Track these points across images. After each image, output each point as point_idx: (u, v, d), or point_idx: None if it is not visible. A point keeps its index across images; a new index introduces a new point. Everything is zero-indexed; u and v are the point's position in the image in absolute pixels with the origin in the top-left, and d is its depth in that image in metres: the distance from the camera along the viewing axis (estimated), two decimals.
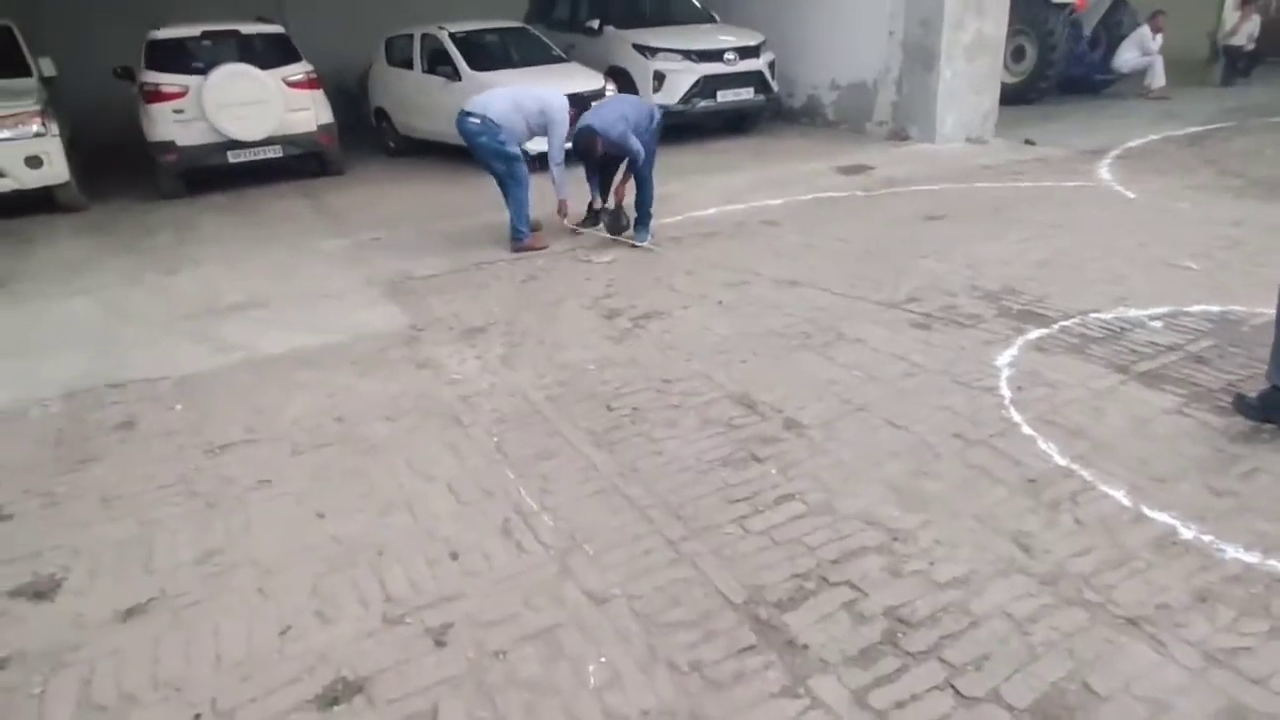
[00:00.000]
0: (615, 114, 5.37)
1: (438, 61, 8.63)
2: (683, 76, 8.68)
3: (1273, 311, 2.87)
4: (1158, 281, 4.33)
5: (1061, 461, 2.74)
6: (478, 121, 5.32)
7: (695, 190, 7.12)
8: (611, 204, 5.76)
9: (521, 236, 5.59)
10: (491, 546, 2.48)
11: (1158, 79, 10.81)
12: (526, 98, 5.50)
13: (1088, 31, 11.24)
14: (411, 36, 9.03)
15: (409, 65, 9.03)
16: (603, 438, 3.09)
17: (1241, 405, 2.95)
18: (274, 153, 7.90)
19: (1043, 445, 2.84)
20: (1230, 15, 11.93)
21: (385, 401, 3.53)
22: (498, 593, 2.27)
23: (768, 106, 9.58)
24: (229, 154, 7.71)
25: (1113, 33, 11.25)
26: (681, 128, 9.34)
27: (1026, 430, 2.94)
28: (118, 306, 5.02)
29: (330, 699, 1.93)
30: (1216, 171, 6.80)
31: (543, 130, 5.44)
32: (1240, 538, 2.30)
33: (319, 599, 2.29)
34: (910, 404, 3.19)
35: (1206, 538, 2.31)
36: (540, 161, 5.72)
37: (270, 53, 8.01)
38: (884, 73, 8.90)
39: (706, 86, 8.73)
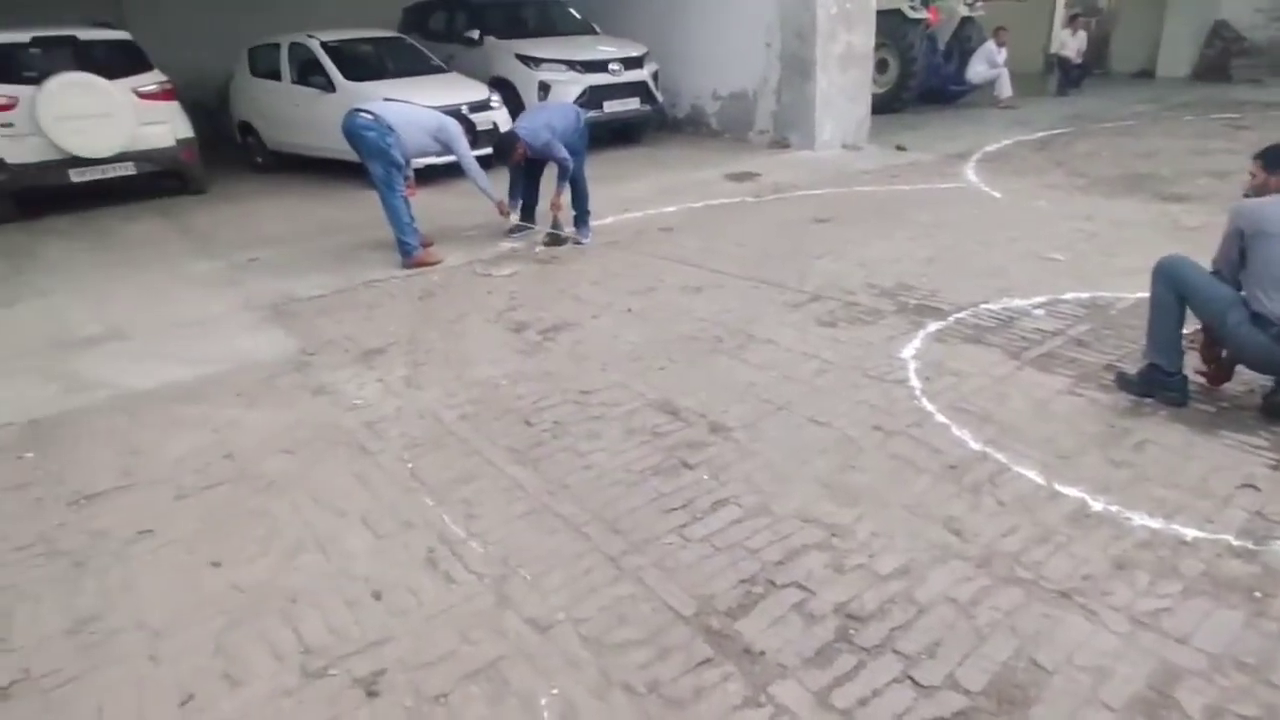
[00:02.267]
0: (540, 123, 5.43)
1: (309, 72, 8.17)
2: (569, 87, 8.61)
3: (1133, 296, 3.09)
4: (1032, 273, 4.63)
5: (976, 446, 2.84)
6: (370, 118, 5.18)
7: (590, 200, 7.04)
8: (548, 219, 5.86)
9: (410, 251, 5.37)
10: (418, 581, 2.30)
11: (1005, 89, 11.71)
12: (422, 114, 5.48)
13: (942, 45, 12.05)
14: (278, 46, 8.52)
15: (276, 76, 8.51)
16: (525, 455, 2.95)
17: (1124, 382, 3.16)
18: (126, 170, 7.22)
19: (957, 432, 2.94)
20: (1061, 31, 13.09)
21: (280, 433, 3.25)
22: (430, 631, 2.10)
23: (654, 117, 9.67)
24: (71, 173, 6.98)
25: (964, 46, 12.11)
26: None
27: (940, 419, 3.04)
28: None
29: None
30: (1065, 172, 7.40)
31: (447, 146, 5.43)
32: (1143, 505, 2.45)
33: (224, 658, 2.04)
34: (828, 400, 3.24)
35: (1114, 508, 2.45)
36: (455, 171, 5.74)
37: (116, 61, 7.32)
38: (763, 83, 9.17)
39: (593, 97, 8.70)
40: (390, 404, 3.45)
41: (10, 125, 6.77)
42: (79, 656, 2.08)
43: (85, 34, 7.38)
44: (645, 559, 2.33)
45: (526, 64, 8.72)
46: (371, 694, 1.90)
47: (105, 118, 6.95)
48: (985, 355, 3.58)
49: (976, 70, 11.82)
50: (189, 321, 4.66)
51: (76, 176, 7.04)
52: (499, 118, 8.17)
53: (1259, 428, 2.85)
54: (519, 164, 5.58)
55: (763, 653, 1.96)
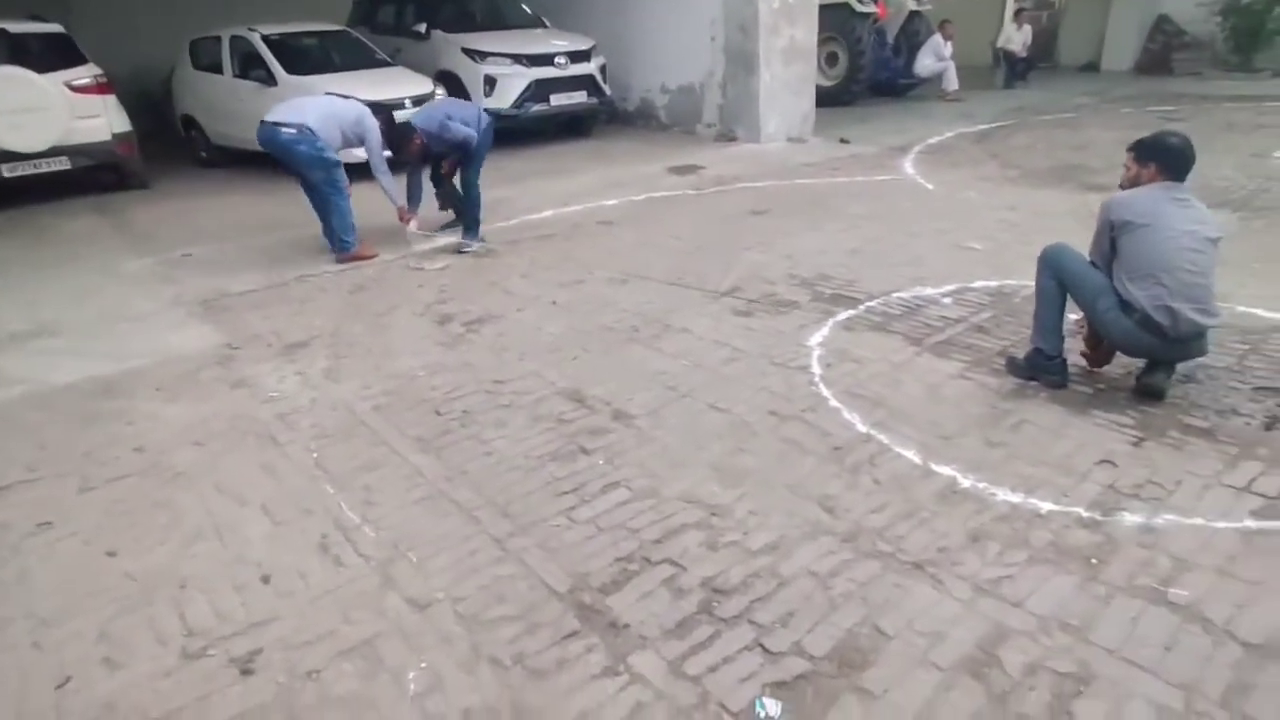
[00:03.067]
0: (438, 112, 5.40)
1: (250, 65, 8.12)
2: (514, 81, 8.65)
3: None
4: (949, 262, 4.79)
5: (863, 429, 2.96)
6: (293, 131, 5.06)
7: (530, 194, 7.12)
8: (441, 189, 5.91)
9: (348, 246, 5.37)
10: (308, 565, 2.36)
11: (951, 83, 11.93)
12: (341, 106, 5.31)
13: (890, 39, 12.23)
14: (219, 39, 8.45)
15: (218, 69, 8.44)
16: (430, 444, 3.02)
17: (1012, 366, 3.31)
18: (60, 165, 7.13)
19: (847, 415, 3.06)
20: (1008, 25, 13.35)
21: (194, 426, 3.28)
22: (313, 612, 2.17)
23: (602, 110, 9.72)
24: (3, 168, 6.88)
25: (911, 40, 12.30)
26: (516, 132, 9.31)
27: (834, 403, 3.16)
28: None
29: None
30: (999, 164, 7.60)
31: (360, 140, 5.28)
32: (1008, 481, 2.59)
33: (107, 644, 2.10)
34: (732, 387, 3.35)
35: (981, 485, 2.59)
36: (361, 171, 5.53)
37: (48, 55, 7.21)
38: (709, 76, 9.28)
39: (538, 90, 8.75)
40: (306, 396, 3.50)
41: None
42: None
43: (16, 27, 7.27)
44: (530, 540, 2.42)
45: (472, 58, 8.73)
46: (246, 672, 1.97)
47: (37, 111, 6.85)
48: (887, 342, 3.71)
49: (924, 64, 12.03)
50: (118, 318, 4.65)
51: (8, 172, 6.94)
52: None
53: (1129, 408, 3.00)
54: (418, 161, 5.50)
55: (627, 625, 2.06)
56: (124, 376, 3.83)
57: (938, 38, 11.95)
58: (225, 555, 2.45)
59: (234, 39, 8.32)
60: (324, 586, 2.27)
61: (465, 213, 5.66)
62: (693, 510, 2.53)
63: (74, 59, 7.33)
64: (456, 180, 5.73)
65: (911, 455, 2.77)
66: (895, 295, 4.29)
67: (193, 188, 8.15)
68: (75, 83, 7.14)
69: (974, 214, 5.86)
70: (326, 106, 5.28)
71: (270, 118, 5.19)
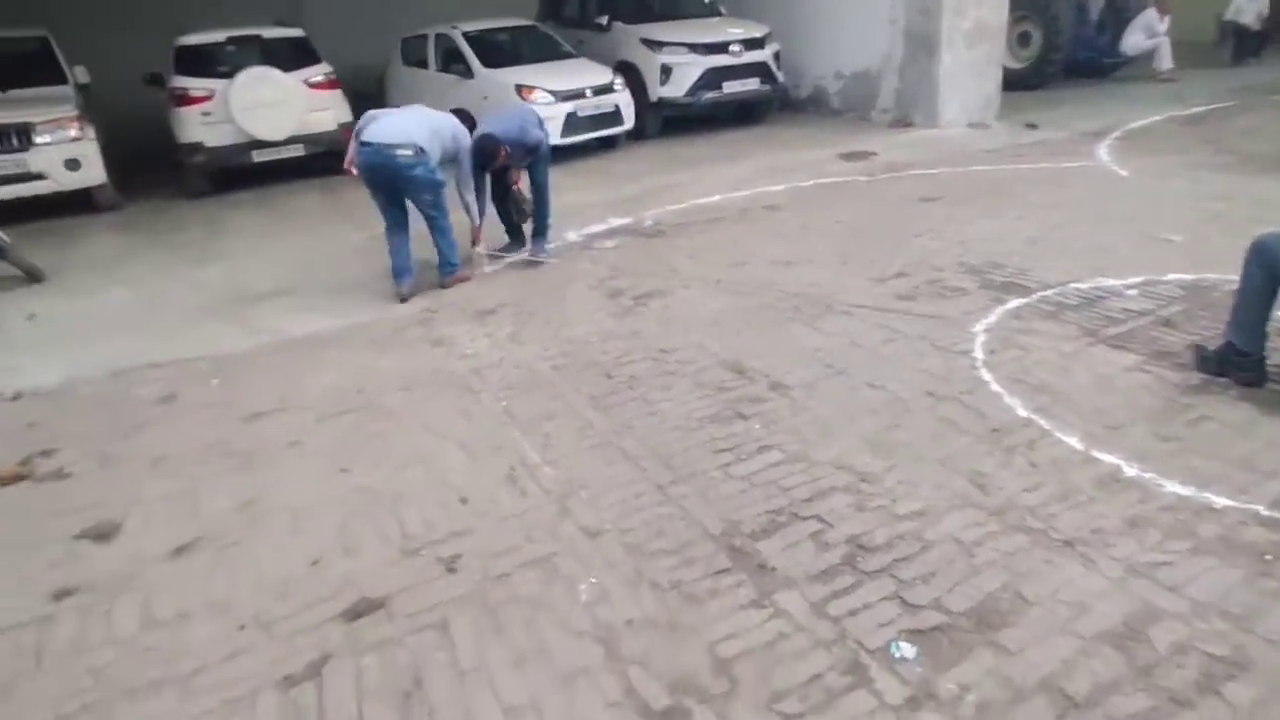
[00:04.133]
0: (505, 118, 5.33)
1: (451, 60, 8.93)
2: (688, 69, 8.90)
3: None
4: (1138, 253, 4.50)
5: (1023, 414, 2.95)
6: (410, 154, 4.62)
7: (701, 179, 7.35)
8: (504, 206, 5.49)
9: (456, 268, 5.09)
10: (498, 492, 2.75)
11: (1165, 61, 10.84)
12: (439, 120, 4.97)
13: (1094, 15, 11.29)
14: (426, 36, 9.34)
15: (424, 64, 9.35)
16: (601, 401, 3.35)
17: (1200, 360, 3.14)
18: (296, 151, 8.24)
19: (1008, 400, 3.06)
20: None
21: (402, 374, 3.82)
22: (502, 529, 2.54)
23: (774, 97, 9.76)
24: (253, 153, 8.07)
25: (1119, 15, 11.28)
26: (690, 120, 9.59)
27: (995, 388, 3.16)
28: (154, 296, 5.36)
29: (355, 613, 2.21)
30: (1213, 150, 6.90)
31: (454, 156, 4.96)
32: (1179, 474, 2.51)
33: (345, 537, 2.58)
34: (889, 367, 3.42)
35: (1148, 475, 2.53)
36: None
37: (291, 56, 8.36)
38: (887, 61, 9.06)
39: (712, 78, 8.94)
40: (495, 355, 3.95)
41: (209, 114, 7.91)
42: (242, 527, 2.68)
43: (268, 32, 8.47)
44: (688, 489, 2.67)
45: (649, 47, 9.07)
46: (450, 570, 2.36)
47: (282, 105, 7.96)
48: (1059, 331, 3.61)
49: (1132, 41, 11.01)
50: (340, 282, 5.38)
51: (258, 157, 8.12)
52: (621, 100, 8.61)
53: None
54: (496, 169, 5.16)
55: (774, 569, 2.26)
56: (346, 331, 4.48)
57: (1151, 12, 10.88)
58: (430, 479, 2.89)
59: (438, 36, 9.18)
60: (511, 510, 2.64)
61: (539, 218, 5.43)
62: (842, 475, 2.67)
63: (310, 59, 8.43)
64: (522, 190, 5.33)
65: (1073, 442, 2.74)
66: (1073, 285, 4.12)
67: None
68: (311, 80, 8.21)
69: (1175, 203, 5.42)
70: (428, 122, 4.88)
71: (375, 138, 4.66)
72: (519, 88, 8.11)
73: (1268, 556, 2.13)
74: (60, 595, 2.40)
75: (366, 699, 1.93)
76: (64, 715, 1.95)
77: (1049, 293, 4.07)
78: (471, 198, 5.16)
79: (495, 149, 5.01)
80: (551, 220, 5.54)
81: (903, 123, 9.04)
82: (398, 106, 5.63)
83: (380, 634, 2.14)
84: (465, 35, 8.84)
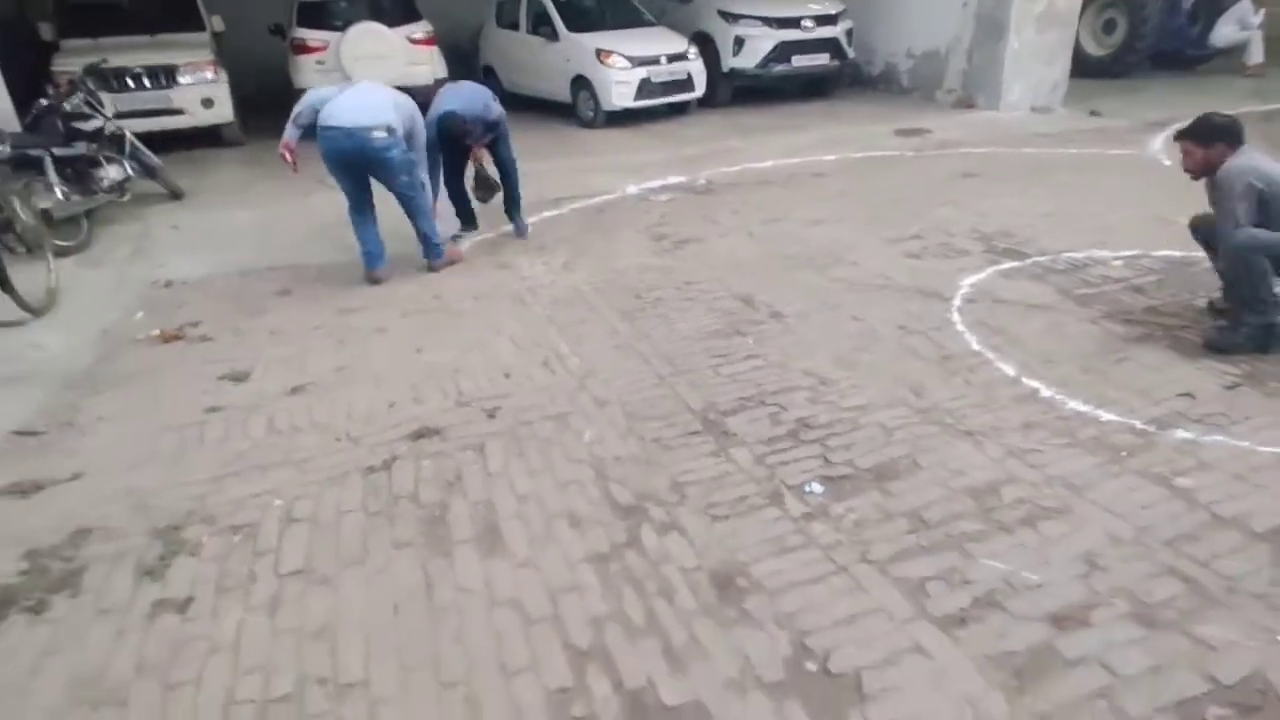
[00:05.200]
0: (466, 95, 5.05)
1: (540, 23, 9.64)
2: (760, 42, 9.36)
3: None
4: (1141, 232, 4.87)
5: (976, 348, 3.50)
6: (384, 135, 4.33)
7: (757, 146, 7.87)
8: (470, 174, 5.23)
9: (442, 251, 4.90)
10: (534, 371, 3.49)
11: (1255, 54, 10.62)
12: (399, 97, 4.63)
13: (1188, 4, 11.10)
14: (519, 0, 10.07)
15: (515, 26, 10.09)
16: (628, 314, 4.04)
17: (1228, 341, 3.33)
18: None
19: (967, 337, 3.60)
20: None
21: (471, 288, 4.59)
22: (533, 395, 3.28)
23: (843, 72, 10.11)
24: None
25: (1215, 6, 11.05)
26: (760, 90, 10.06)
27: (959, 327, 3.70)
28: (271, 217, 6.30)
29: (417, 435, 2.99)
30: (1268, 145, 6.99)
31: (410, 132, 4.57)
32: (1084, 396, 3.04)
33: (414, 392, 3.36)
34: (875, 307, 3.98)
35: (1059, 396, 3.06)
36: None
37: (397, 13, 9.22)
38: (956, 42, 9.29)
39: (783, 52, 9.38)
40: (548, 278, 4.68)
41: (322, 63, 8.87)
42: (339, 380, 3.50)
43: None
44: (682, 379, 3.34)
45: (725, 19, 9.56)
46: (490, 416, 3.11)
47: (386, 58, 8.84)
48: (1036, 289, 4.09)
49: (1223, 33, 10.80)
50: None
51: None
52: (694, 69, 9.16)
53: (1245, 360, 3.22)
54: (461, 147, 4.96)
55: (734, 434, 2.91)
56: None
57: (1246, 3, 10.65)
58: (483, 359, 3.64)
59: (530, 0, 9.89)
60: (541, 384, 3.37)
61: (512, 191, 5.33)
62: (807, 379, 3.29)
63: (413, 16, 9.28)
64: (486, 168, 5.10)
65: (1008, 369, 3.28)
66: (1066, 255, 4.56)
67: None
68: (412, 36, 9.06)
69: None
70: (391, 97, 4.56)
71: (341, 121, 4.29)
72: (598, 52, 8.76)
73: (1124, 453, 2.66)
74: (210, 410, 3.27)
75: (421, 485, 2.70)
76: (218, 475, 2.80)
77: (1042, 259, 4.52)
78: (425, 177, 4.82)
79: (462, 127, 4.79)
80: (522, 191, 5.41)
81: (966, 103, 9.30)
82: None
83: (434, 449, 2.91)
84: (554, 0, 9.52)
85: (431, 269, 4.84)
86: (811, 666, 1.89)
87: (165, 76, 8.21)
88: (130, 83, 7.94)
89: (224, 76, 8.54)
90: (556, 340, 3.79)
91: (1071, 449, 2.70)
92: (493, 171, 5.17)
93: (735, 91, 9.92)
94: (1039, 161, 6.89)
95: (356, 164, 4.44)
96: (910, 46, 10.08)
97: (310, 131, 4.47)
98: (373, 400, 3.31)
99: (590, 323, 3.97)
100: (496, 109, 5.08)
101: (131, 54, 8.00)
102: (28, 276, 4.33)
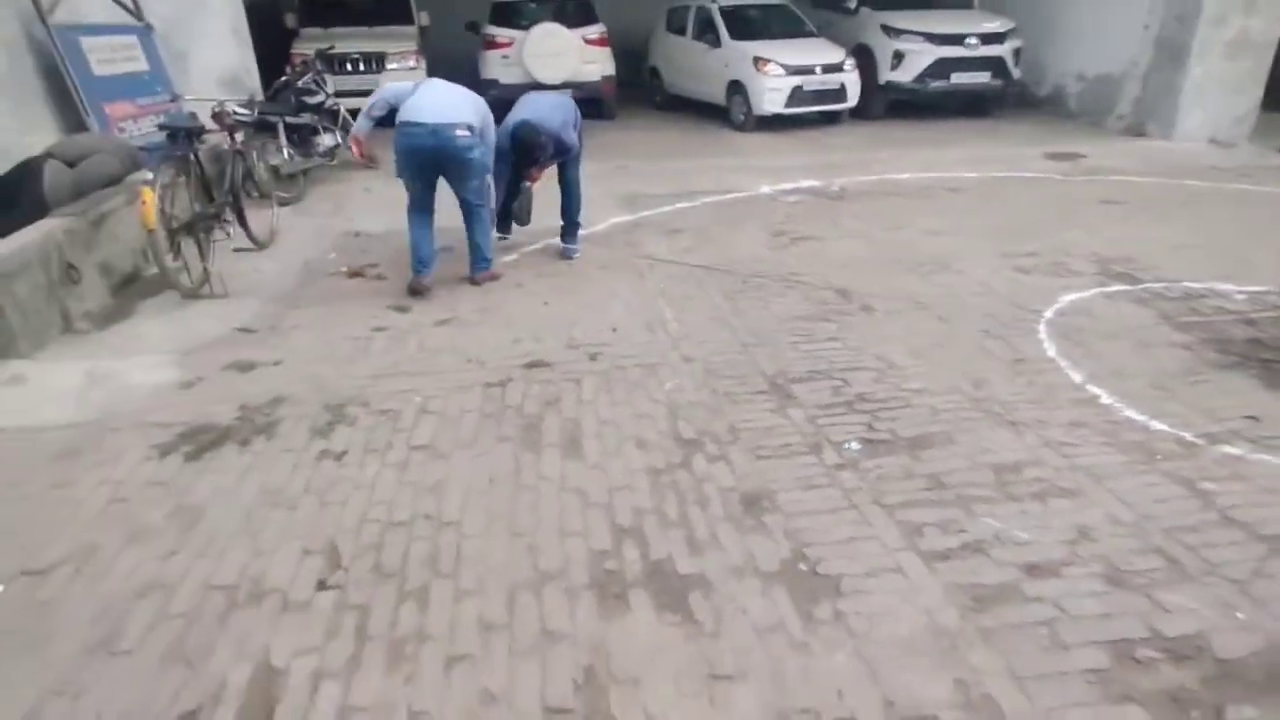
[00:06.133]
0: (547, 107, 4.92)
1: (705, 30, 10.20)
2: (919, 57, 9.42)
3: None
4: (1274, 269, 4.70)
5: (1051, 355, 3.66)
6: (467, 134, 4.28)
7: (900, 159, 8.02)
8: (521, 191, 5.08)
9: (490, 263, 4.76)
10: (637, 330, 4.02)
11: None
12: (474, 98, 4.57)
13: None
14: (689, 7, 10.68)
15: (683, 32, 10.71)
16: (730, 294, 4.49)
17: None
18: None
19: (1045, 345, 3.76)
20: None
21: (600, 260, 5.19)
22: (631, 348, 3.81)
23: (1008, 92, 9.94)
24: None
25: None
26: (917, 105, 10.09)
27: (1041, 336, 3.86)
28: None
29: (530, 365, 3.61)
30: None
31: (483, 134, 4.49)
32: (1145, 408, 3.16)
33: (535, 333, 3.99)
34: (966, 311, 4.19)
35: (1119, 404, 3.20)
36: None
37: (577, 15, 10.11)
38: (1132, 66, 8.92)
39: (941, 68, 9.39)
40: (669, 257, 5.20)
41: (506, 57, 9.90)
42: (477, 319, 4.19)
43: None
44: (762, 350, 3.76)
45: (887, 33, 9.69)
46: (592, 359, 3.68)
47: (562, 56, 9.73)
48: (1137, 312, 4.14)
49: None
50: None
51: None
52: (848, 80, 9.38)
53: None
54: (533, 158, 4.79)
55: (796, 398, 3.30)
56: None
57: None
58: (597, 317, 4.21)
59: (698, 8, 10.47)
60: (641, 341, 3.90)
61: (571, 214, 5.20)
62: (877, 362, 3.61)
63: (591, 19, 10.12)
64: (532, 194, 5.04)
65: (1077, 377, 3.44)
66: (1184, 284, 4.52)
67: (643, 123, 10.62)
68: (587, 36, 9.90)
69: None
70: (470, 98, 4.50)
71: (424, 118, 4.23)
72: (756, 59, 9.20)
73: (1159, 457, 2.81)
74: (376, 329, 4.06)
75: (527, 400, 3.30)
76: (376, 374, 3.54)
77: (1156, 285, 4.52)
78: (491, 181, 4.74)
79: (536, 140, 4.68)
80: (583, 216, 5.30)
81: (1135, 131, 8.92)
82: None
83: (542, 377, 3.51)
84: (720, 8, 10.04)
85: (474, 282, 4.66)
86: (803, 567, 2.29)
87: (376, 62, 9.50)
88: (349, 66, 9.26)
89: (423, 65, 9.73)
90: (663, 308, 4.31)
91: (1108, 447, 2.88)
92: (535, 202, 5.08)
93: (891, 105, 10.02)
94: (1195, 194, 6.62)
95: (434, 163, 4.34)
96: (1082, 69, 9.75)
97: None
98: (501, 337, 3.97)
99: (695, 299, 4.45)
100: (571, 135, 4.87)
101: (353, 42, 9.33)
102: (257, 218, 5.39)
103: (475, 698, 1.88)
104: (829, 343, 3.84)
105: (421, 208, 4.56)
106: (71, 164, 4.78)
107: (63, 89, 5.52)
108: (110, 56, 5.94)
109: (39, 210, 4.34)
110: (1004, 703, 1.83)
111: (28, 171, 4.56)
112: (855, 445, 2.93)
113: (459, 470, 2.81)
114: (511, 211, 5.18)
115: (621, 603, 2.17)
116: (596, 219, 6.14)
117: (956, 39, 9.37)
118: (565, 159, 5.01)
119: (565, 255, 5.24)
